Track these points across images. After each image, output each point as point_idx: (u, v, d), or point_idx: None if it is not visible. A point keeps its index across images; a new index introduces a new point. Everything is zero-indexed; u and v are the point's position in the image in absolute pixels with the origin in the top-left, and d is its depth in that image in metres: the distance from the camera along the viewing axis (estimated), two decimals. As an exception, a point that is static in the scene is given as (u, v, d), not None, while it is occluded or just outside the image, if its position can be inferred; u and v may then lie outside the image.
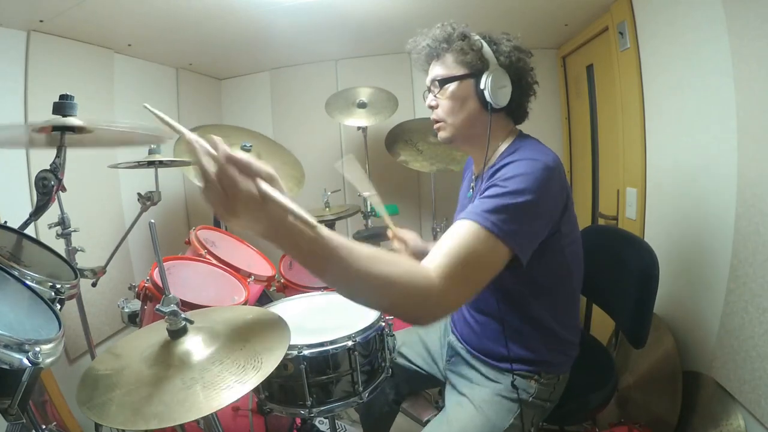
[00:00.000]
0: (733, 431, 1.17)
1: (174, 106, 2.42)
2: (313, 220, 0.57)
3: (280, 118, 2.79)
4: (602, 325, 1.79)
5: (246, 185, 0.54)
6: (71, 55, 1.73)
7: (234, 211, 0.55)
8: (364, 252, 0.65)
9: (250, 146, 2.02)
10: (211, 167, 0.53)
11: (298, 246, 0.59)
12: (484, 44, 0.96)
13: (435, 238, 2.25)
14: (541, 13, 1.95)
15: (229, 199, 0.54)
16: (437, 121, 1.03)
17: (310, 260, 0.62)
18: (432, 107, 1.03)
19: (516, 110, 1.01)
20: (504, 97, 0.96)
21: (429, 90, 1.04)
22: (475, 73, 0.96)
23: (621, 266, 1.21)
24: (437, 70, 1.01)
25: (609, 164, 2.05)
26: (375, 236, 2.15)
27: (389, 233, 1.23)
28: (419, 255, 1.27)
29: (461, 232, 0.79)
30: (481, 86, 0.95)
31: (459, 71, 0.97)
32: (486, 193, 0.85)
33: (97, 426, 1.17)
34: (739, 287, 1.19)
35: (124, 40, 1.90)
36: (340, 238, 0.63)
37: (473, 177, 1.12)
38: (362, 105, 2.30)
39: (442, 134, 1.04)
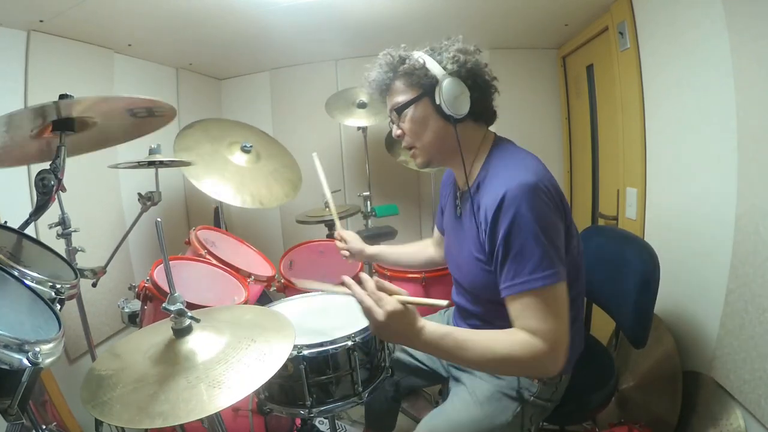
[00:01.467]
0: (733, 431, 1.18)
1: (174, 106, 2.41)
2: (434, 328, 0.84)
3: (280, 119, 2.79)
4: (602, 325, 1.78)
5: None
6: (71, 55, 1.73)
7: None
8: (478, 343, 0.83)
9: (251, 146, 2.02)
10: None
11: (428, 348, 0.85)
12: (427, 58, 0.93)
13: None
14: (541, 13, 1.95)
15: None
16: (410, 148, 1.02)
17: (437, 354, 0.93)
18: (399, 137, 1.02)
19: (482, 113, 0.98)
20: (463, 105, 0.92)
21: (392, 121, 1.03)
22: (428, 91, 0.93)
23: (621, 266, 1.21)
24: (391, 100, 1.00)
25: (609, 164, 2.05)
26: (375, 236, 2.15)
27: (336, 233, 1.41)
28: (357, 254, 1.36)
29: (529, 303, 0.83)
30: (437, 101, 0.92)
31: (411, 94, 0.95)
32: (506, 255, 0.85)
33: (97, 426, 1.17)
34: (739, 287, 1.19)
35: (124, 40, 1.90)
36: (456, 334, 0.84)
37: (458, 193, 1.08)
38: (362, 105, 2.30)
39: (418, 161, 1.03)
